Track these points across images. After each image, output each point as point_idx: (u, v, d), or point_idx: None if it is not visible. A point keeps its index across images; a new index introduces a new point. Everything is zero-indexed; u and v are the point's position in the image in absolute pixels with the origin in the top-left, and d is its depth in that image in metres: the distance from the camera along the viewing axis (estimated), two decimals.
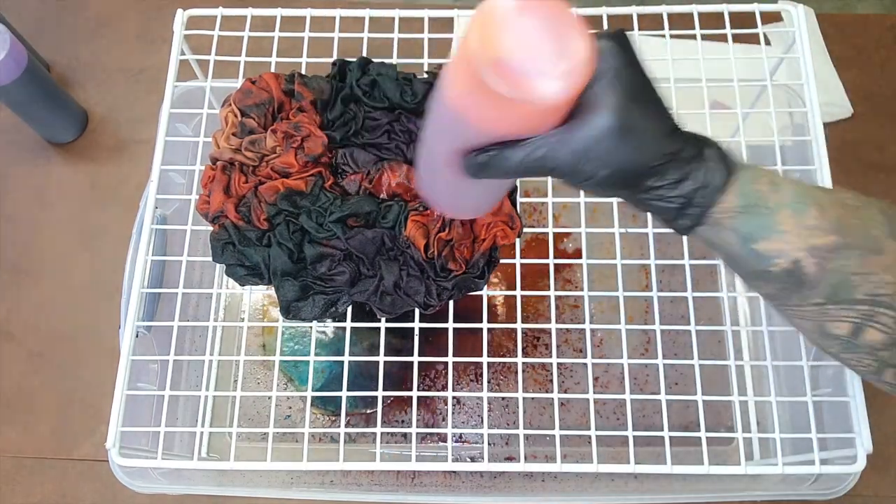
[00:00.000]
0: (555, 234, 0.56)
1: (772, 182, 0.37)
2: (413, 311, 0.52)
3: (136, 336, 0.54)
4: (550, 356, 0.53)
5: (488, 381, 0.70)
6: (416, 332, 0.53)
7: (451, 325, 0.52)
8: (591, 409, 0.50)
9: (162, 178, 0.57)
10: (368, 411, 0.74)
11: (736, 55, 0.59)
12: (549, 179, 0.57)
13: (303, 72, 0.57)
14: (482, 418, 0.60)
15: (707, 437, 0.49)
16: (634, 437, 0.50)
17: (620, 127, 0.34)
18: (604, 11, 0.61)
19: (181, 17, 0.60)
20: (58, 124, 0.86)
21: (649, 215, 0.55)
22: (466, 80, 0.32)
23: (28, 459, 0.75)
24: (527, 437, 0.73)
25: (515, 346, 0.53)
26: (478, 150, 0.36)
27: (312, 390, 0.71)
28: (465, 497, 0.68)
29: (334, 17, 0.61)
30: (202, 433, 0.71)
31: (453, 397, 0.61)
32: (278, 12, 0.61)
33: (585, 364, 0.52)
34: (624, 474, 0.67)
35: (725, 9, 0.60)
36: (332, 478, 0.70)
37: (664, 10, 0.60)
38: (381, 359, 0.52)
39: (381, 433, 0.51)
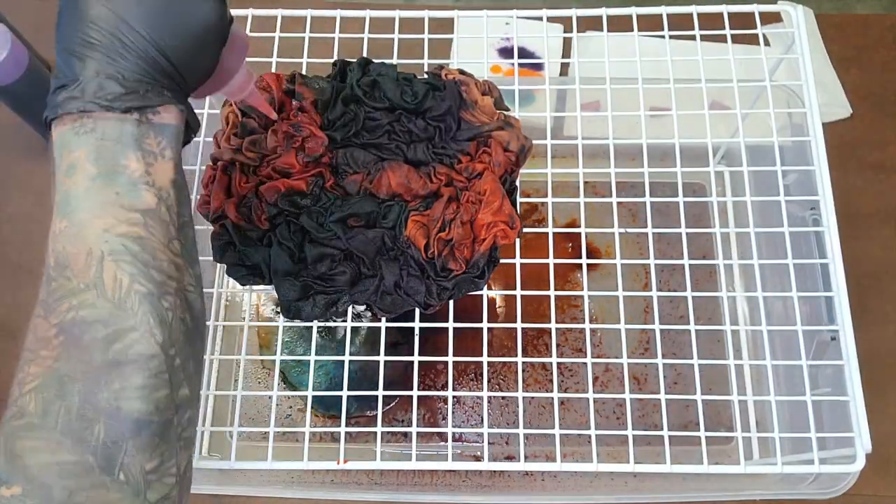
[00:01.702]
0: (559, 234, 0.56)
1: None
2: (413, 311, 0.53)
3: None
4: (550, 356, 0.53)
5: (488, 381, 0.71)
6: (417, 331, 0.53)
7: (451, 324, 0.53)
8: (590, 408, 0.50)
9: None
10: (369, 414, 0.74)
11: (735, 56, 0.60)
12: (549, 180, 0.57)
13: (303, 72, 0.57)
14: (482, 418, 0.60)
15: (706, 437, 0.50)
16: (634, 436, 0.50)
17: None
18: (603, 12, 0.61)
19: None
20: None
21: (649, 216, 0.55)
22: None
23: None
24: (527, 436, 0.73)
25: (515, 345, 0.53)
26: None
27: (314, 397, 0.72)
28: (465, 496, 0.68)
29: (335, 18, 0.61)
30: (202, 432, 0.71)
31: (453, 397, 0.61)
32: (279, 13, 0.61)
33: (585, 364, 0.52)
34: (623, 473, 0.67)
35: (725, 9, 0.60)
36: (333, 477, 0.70)
37: (664, 10, 0.60)
38: (382, 358, 0.52)
39: (382, 432, 0.51)
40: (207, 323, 0.60)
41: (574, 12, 0.60)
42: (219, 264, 0.54)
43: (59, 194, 0.35)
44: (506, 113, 0.56)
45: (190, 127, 0.39)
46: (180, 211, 0.37)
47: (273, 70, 0.58)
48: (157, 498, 0.33)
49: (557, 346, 0.76)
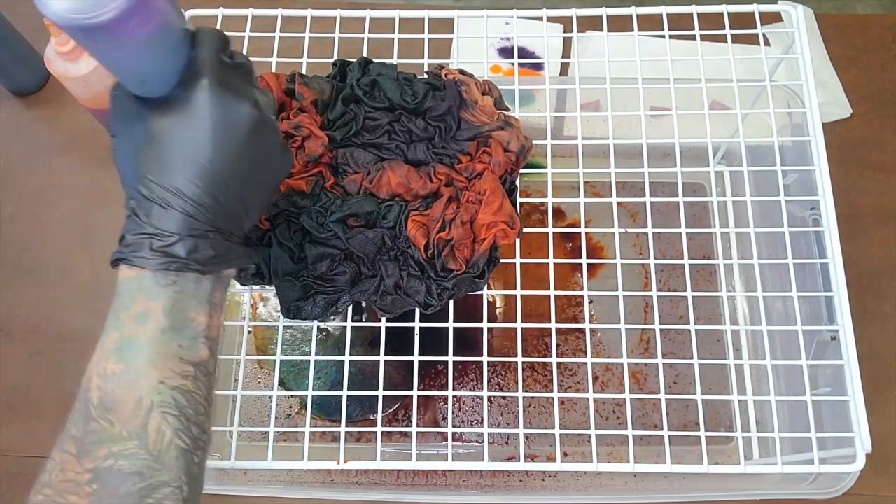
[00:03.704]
0: (559, 234, 0.56)
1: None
2: (413, 311, 0.53)
3: None
4: (550, 356, 0.53)
5: (488, 381, 0.71)
6: (417, 331, 0.53)
7: (451, 324, 0.53)
8: (590, 408, 0.50)
9: None
10: (372, 418, 0.74)
11: (735, 55, 0.60)
12: (549, 179, 0.57)
13: (303, 72, 0.57)
14: (482, 417, 0.60)
15: (706, 437, 0.50)
16: (634, 436, 0.50)
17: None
18: (603, 12, 0.61)
19: None
20: None
21: (649, 216, 0.55)
22: None
23: (29, 459, 0.75)
24: (527, 436, 0.74)
25: (515, 345, 0.53)
26: None
27: (316, 404, 0.72)
28: (465, 496, 0.68)
29: (335, 18, 0.61)
30: None
31: (453, 397, 0.61)
32: (279, 13, 0.61)
33: (585, 363, 0.52)
34: (623, 473, 0.67)
35: (725, 9, 0.60)
36: (333, 477, 0.70)
37: (664, 10, 0.60)
38: (382, 358, 0.52)
39: (382, 432, 0.51)
40: None
41: (574, 12, 0.60)
42: None
43: (122, 337, 0.35)
44: (506, 113, 0.56)
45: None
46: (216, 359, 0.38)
47: (273, 70, 0.58)
48: None
49: (557, 346, 0.76)
